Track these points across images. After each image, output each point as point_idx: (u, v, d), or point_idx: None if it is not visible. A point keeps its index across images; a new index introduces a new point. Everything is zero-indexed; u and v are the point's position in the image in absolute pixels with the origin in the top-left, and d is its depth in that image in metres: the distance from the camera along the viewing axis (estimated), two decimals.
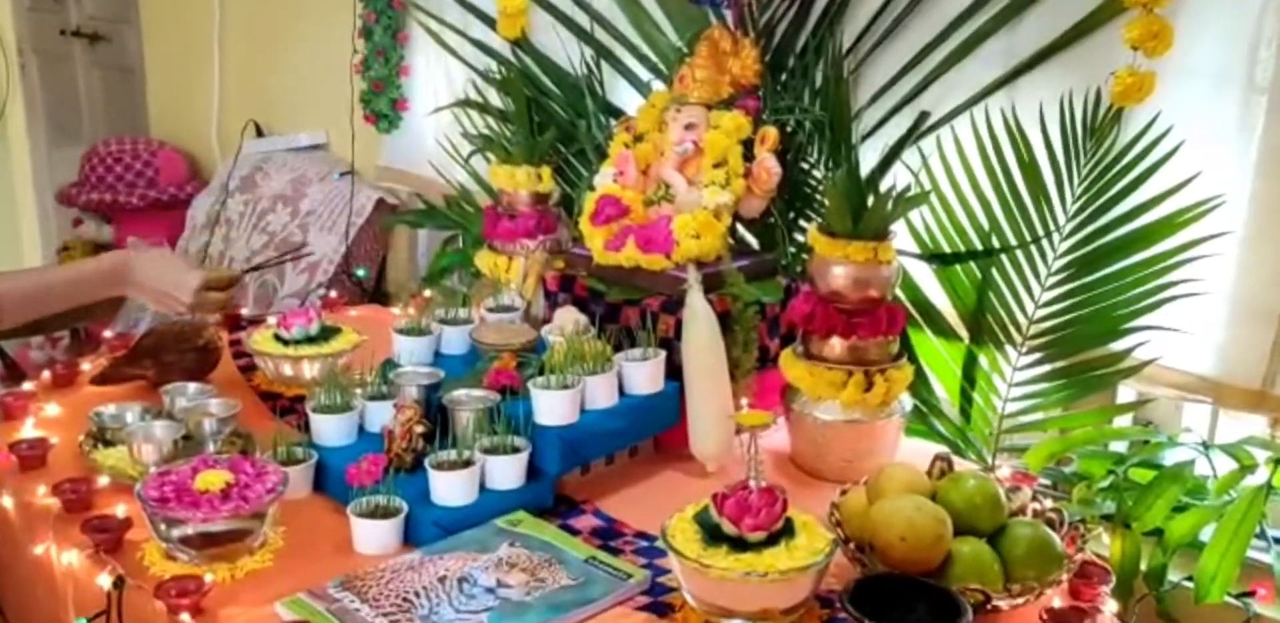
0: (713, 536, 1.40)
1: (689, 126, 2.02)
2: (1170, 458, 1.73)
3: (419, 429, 1.72)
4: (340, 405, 1.81)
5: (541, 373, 1.83)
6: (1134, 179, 1.79)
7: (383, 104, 3.25)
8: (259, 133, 3.94)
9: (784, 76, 2.15)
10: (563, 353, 1.80)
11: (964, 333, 2.03)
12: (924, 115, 2.00)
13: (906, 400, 1.88)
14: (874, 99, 2.02)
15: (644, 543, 1.63)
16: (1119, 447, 1.88)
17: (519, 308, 2.12)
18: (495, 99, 2.65)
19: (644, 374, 1.84)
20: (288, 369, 2.09)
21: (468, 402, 1.76)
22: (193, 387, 1.96)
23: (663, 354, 1.85)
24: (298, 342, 2.12)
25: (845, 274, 1.80)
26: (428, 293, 2.74)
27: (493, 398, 1.76)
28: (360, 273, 3.36)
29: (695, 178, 2.02)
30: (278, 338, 2.13)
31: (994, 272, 1.95)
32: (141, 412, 1.91)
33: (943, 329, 2.04)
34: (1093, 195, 1.83)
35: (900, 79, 2.06)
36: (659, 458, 1.91)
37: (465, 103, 2.72)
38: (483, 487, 1.65)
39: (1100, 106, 1.79)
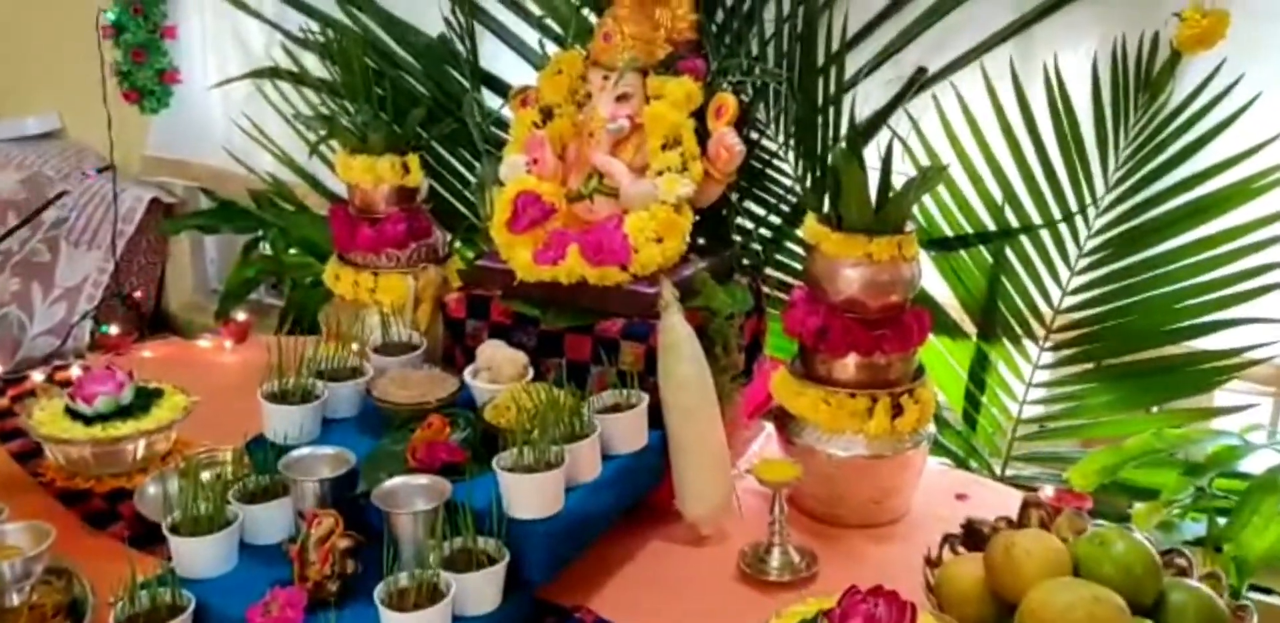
0: None
1: (622, 98, 1.58)
2: (1244, 464, 1.50)
3: (343, 545, 1.23)
4: (211, 518, 1.27)
5: (485, 437, 1.37)
6: (1195, 140, 1.51)
7: (146, 77, 2.58)
8: None
9: (714, 25, 1.72)
10: (525, 413, 1.33)
11: (970, 328, 1.72)
12: (921, 71, 1.65)
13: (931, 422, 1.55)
14: (846, 48, 1.64)
15: None
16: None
17: (420, 345, 1.62)
18: (314, 67, 2.08)
19: (626, 428, 1.42)
20: (91, 457, 1.54)
21: (408, 497, 1.28)
22: None
23: (644, 399, 1.43)
24: (105, 417, 1.56)
25: (864, 277, 1.45)
26: (242, 316, 2.18)
27: (441, 489, 1.28)
28: (137, 295, 2.68)
29: (635, 162, 1.59)
30: (72, 413, 1.58)
31: (1009, 255, 1.64)
32: None
33: (943, 325, 1.72)
34: (1141, 160, 1.54)
35: (882, 23, 1.68)
36: (636, 522, 1.52)
37: (271, 73, 2.13)
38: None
39: (1155, 54, 1.49)
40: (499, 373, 1.50)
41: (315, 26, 2.00)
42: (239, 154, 2.36)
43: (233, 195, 2.49)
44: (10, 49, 3.03)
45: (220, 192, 2.55)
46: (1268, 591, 1.64)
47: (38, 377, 1.87)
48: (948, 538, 1.33)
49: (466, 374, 1.52)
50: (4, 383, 1.85)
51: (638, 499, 1.46)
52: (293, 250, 2.46)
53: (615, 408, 1.43)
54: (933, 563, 1.29)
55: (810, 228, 1.47)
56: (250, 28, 2.41)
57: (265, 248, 2.54)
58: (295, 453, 1.36)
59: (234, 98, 2.39)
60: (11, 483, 1.57)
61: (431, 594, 1.17)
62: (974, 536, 1.33)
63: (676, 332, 1.45)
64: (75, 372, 1.78)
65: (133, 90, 2.63)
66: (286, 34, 2.15)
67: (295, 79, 2.08)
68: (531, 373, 1.51)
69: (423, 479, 1.30)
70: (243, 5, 2.23)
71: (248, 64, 2.41)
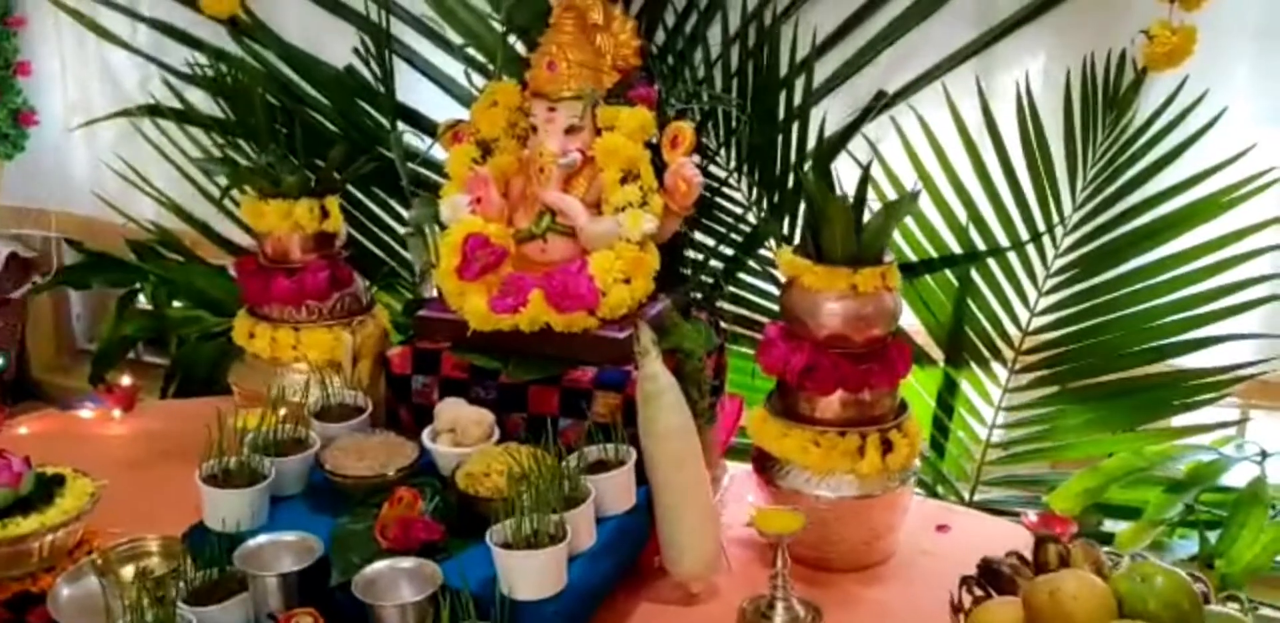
0: None
1: (571, 130, 1.48)
2: (1225, 478, 1.50)
3: None
4: None
5: (460, 507, 1.25)
6: (1161, 156, 1.51)
7: None
8: None
9: (655, 48, 1.64)
10: (511, 480, 1.21)
11: (937, 354, 1.68)
12: (880, 94, 1.60)
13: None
14: (801, 68, 1.57)
15: None
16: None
17: (366, 408, 1.47)
18: (202, 103, 1.90)
19: (617, 487, 1.31)
20: None
21: (392, 585, 1.14)
22: None
23: (633, 454, 1.33)
24: (4, 513, 1.35)
25: (848, 311, 1.39)
26: (126, 380, 1.97)
27: (429, 573, 1.15)
28: None
29: (588, 198, 1.49)
30: None
31: (976, 278, 1.61)
32: None
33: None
34: (1108, 177, 1.53)
35: (838, 42, 1.63)
36: (623, 586, 1.39)
37: (151, 111, 1.93)
38: None
39: (1121, 73, 1.48)
40: (465, 435, 1.37)
41: (203, 59, 1.82)
42: (112, 200, 2.14)
43: (103, 246, 2.26)
44: None
45: (89, 243, 2.30)
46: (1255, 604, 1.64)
47: None
48: (965, 580, 1.28)
49: (425, 438, 1.38)
50: None
51: (634, 563, 1.35)
52: (177, 303, 2.25)
53: (602, 465, 1.32)
54: (959, 608, 1.22)
55: (788, 261, 1.40)
56: (122, 62, 2.20)
57: (142, 301, 2.32)
58: (251, 542, 1.20)
59: (102, 139, 2.17)
60: None
61: None
62: (991, 575, 1.28)
63: (659, 380, 1.35)
64: None
65: None
66: (168, 68, 1.95)
67: (180, 117, 1.89)
68: (498, 433, 1.39)
69: (406, 563, 1.16)
70: (112, 37, 2.02)
71: (117, 102, 2.20)
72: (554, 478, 1.22)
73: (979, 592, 1.27)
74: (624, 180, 1.46)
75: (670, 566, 1.38)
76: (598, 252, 1.43)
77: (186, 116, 1.88)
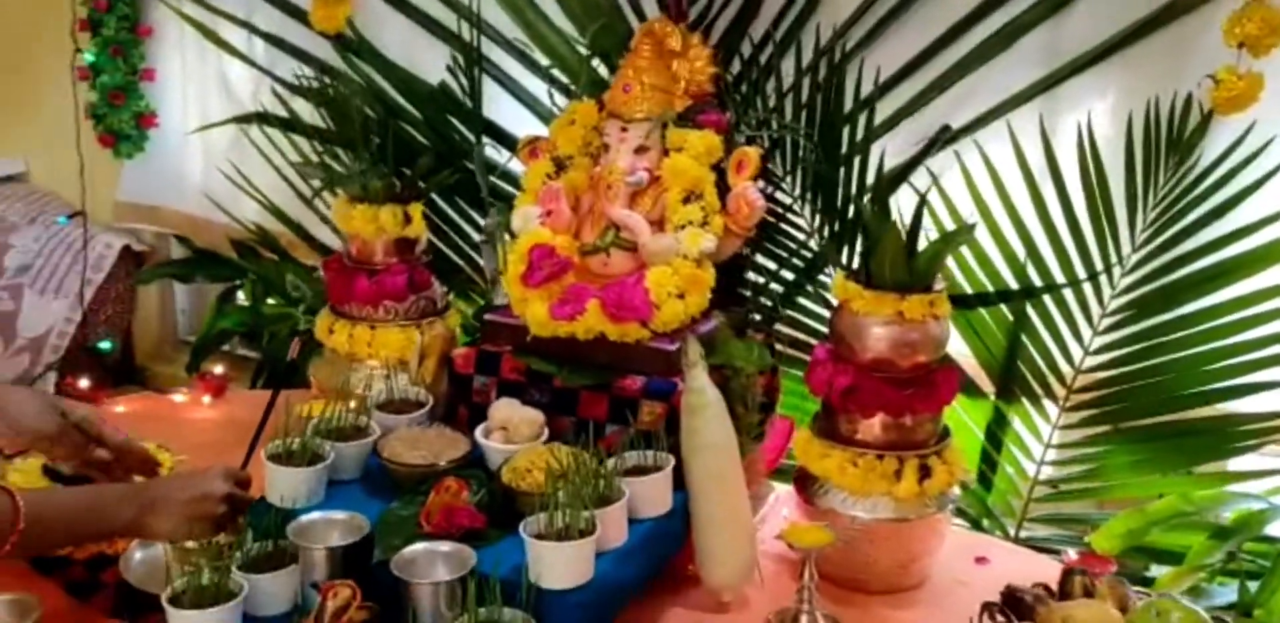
0: None
1: (640, 150, 1.55)
2: (1271, 527, 1.48)
3: (360, 618, 1.15)
4: (215, 588, 1.18)
5: (503, 500, 1.30)
6: (1224, 201, 1.51)
7: (122, 120, 2.49)
8: None
9: (729, 76, 1.70)
10: (550, 476, 1.27)
11: (989, 387, 1.69)
12: (945, 129, 1.64)
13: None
14: (868, 102, 1.63)
15: None
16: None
17: (427, 403, 1.54)
18: (306, 113, 2.02)
19: (653, 491, 1.36)
20: None
21: (428, 565, 1.20)
22: None
23: (671, 461, 1.37)
24: (87, 477, 1.45)
25: (893, 336, 1.42)
26: (219, 369, 2.09)
27: (464, 557, 1.21)
28: (104, 346, 2.56)
29: (652, 215, 1.55)
30: (51, 473, 1.50)
31: (1030, 314, 1.62)
32: None
33: (961, 383, 1.68)
34: (1169, 220, 1.54)
35: (906, 78, 1.68)
36: (654, 589, 1.44)
37: (260, 118, 2.06)
38: None
39: (1187, 115, 1.49)
40: (515, 433, 1.43)
41: (309, 72, 1.95)
42: (219, 201, 2.28)
43: (208, 244, 2.41)
44: None
45: (196, 240, 2.46)
46: None
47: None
48: (987, 607, 1.29)
49: (478, 433, 1.45)
50: None
51: (664, 565, 1.39)
52: (271, 301, 2.38)
53: (640, 470, 1.37)
54: None
55: (839, 285, 1.44)
56: (237, 72, 2.35)
57: (242, 298, 2.45)
58: (305, 518, 1.28)
59: (216, 143, 2.32)
60: None
61: None
62: (1014, 604, 1.29)
63: (705, 393, 1.39)
64: None
65: (108, 134, 2.55)
66: (278, 79, 2.09)
67: (286, 125, 2.02)
68: (547, 433, 1.45)
69: (444, 547, 1.23)
70: (232, 50, 2.17)
71: (231, 109, 2.35)
72: (591, 477, 1.27)
73: (1000, 618, 1.28)
74: (687, 200, 1.52)
75: (703, 574, 1.42)
76: (655, 267, 1.49)
77: (291, 125, 2.00)
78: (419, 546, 1.22)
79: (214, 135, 2.27)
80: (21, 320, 2.52)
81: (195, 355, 2.43)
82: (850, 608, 1.45)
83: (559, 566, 1.19)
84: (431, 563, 1.21)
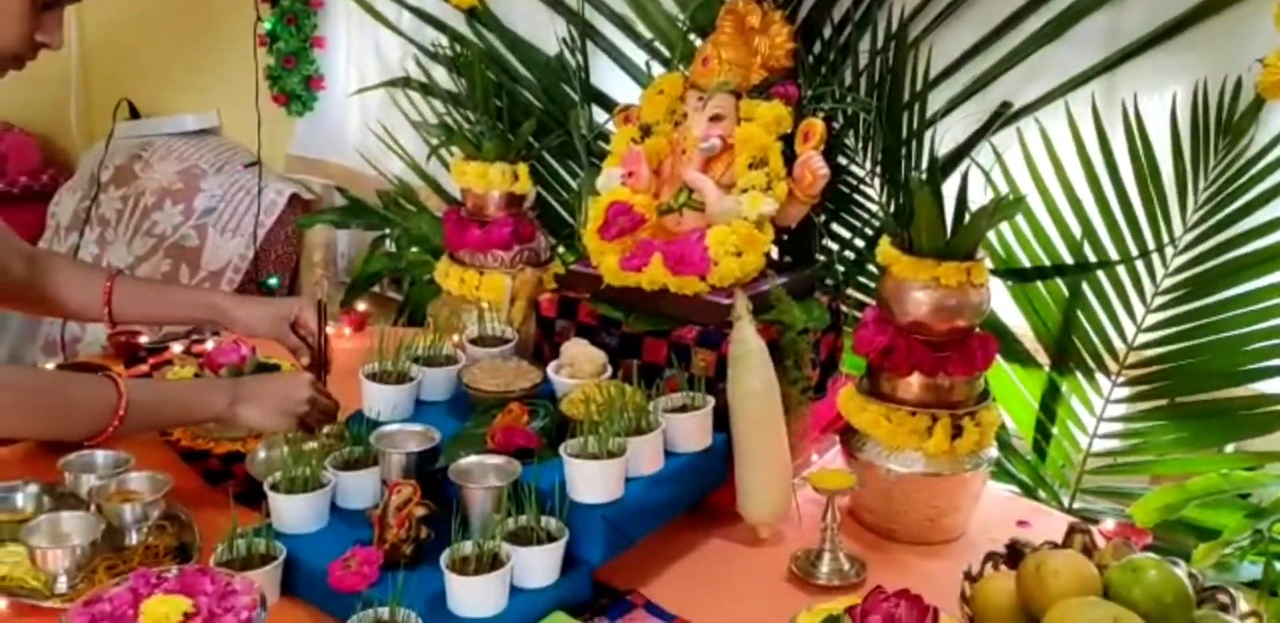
0: None
1: (715, 118, 1.67)
2: None
3: (419, 513, 1.35)
4: (307, 480, 1.41)
5: (559, 427, 1.48)
6: (1275, 185, 1.52)
7: (294, 82, 2.78)
8: (133, 113, 3.39)
9: (810, 56, 1.80)
10: (594, 406, 1.44)
11: (1043, 359, 1.74)
12: (1005, 106, 1.69)
13: (993, 446, 1.59)
14: (934, 83, 1.70)
15: None
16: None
17: (512, 339, 1.74)
18: (442, 79, 2.23)
19: (691, 428, 1.50)
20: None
21: (481, 474, 1.39)
22: (101, 455, 1.52)
23: (710, 402, 1.52)
24: None
25: (931, 301, 1.50)
26: (362, 307, 2.35)
27: (512, 469, 1.40)
28: (272, 282, 2.89)
29: (724, 180, 1.67)
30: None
31: (1085, 289, 1.66)
32: (38, 494, 1.48)
33: (1017, 354, 1.75)
34: (1220, 203, 1.56)
35: (970, 60, 1.74)
36: (699, 520, 1.59)
37: (404, 83, 2.29)
38: (510, 585, 1.29)
39: (1237, 99, 1.51)
40: (579, 369, 1.60)
41: (445, 42, 2.16)
42: (371, 157, 2.53)
43: (362, 195, 2.68)
44: (173, 52, 3.29)
45: (352, 190, 2.73)
46: None
47: (177, 348, 2.05)
48: (990, 556, 1.37)
49: (550, 368, 1.62)
50: (148, 351, 2.05)
51: (699, 497, 1.53)
52: (414, 249, 2.62)
53: (683, 409, 1.51)
54: (972, 578, 1.33)
55: (883, 250, 1.53)
56: (388, 41, 2.59)
57: (390, 245, 2.71)
58: (386, 428, 1.49)
59: (370, 105, 2.57)
60: (143, 440, 1.74)
61: (493, 563, 1.27)
62: (1016, 555, 1.37)
63: (748, 344, 1.52)
64: (209, 345, 1.96)
65: (282, 94, 2.85)
66: (420, 47, 2.31)
67: (424, 89, 2.24)
68: (610, 371, 1.61)
69: (497, 459, 1.41)
70: (383, 20, 2.40)
71: (384, 74, 2.59)
72: (630, 409, 1.43)
73: (1003, 568, 1.37)
74: (753, 166, 1.64)
75: (742, 510, 1.56)
76: (716, 226, 1.62)
77: (428, 89, 2.22)
78: (475, 457, 1.41)
79: (368, 97, 2.52)
80: (205, 255, 2.86)
81: (348, 294, 2.70)
82: (879, 552, 1.56)
83: (590, 481, 1.36)
84: (484, 473, 1.40)
